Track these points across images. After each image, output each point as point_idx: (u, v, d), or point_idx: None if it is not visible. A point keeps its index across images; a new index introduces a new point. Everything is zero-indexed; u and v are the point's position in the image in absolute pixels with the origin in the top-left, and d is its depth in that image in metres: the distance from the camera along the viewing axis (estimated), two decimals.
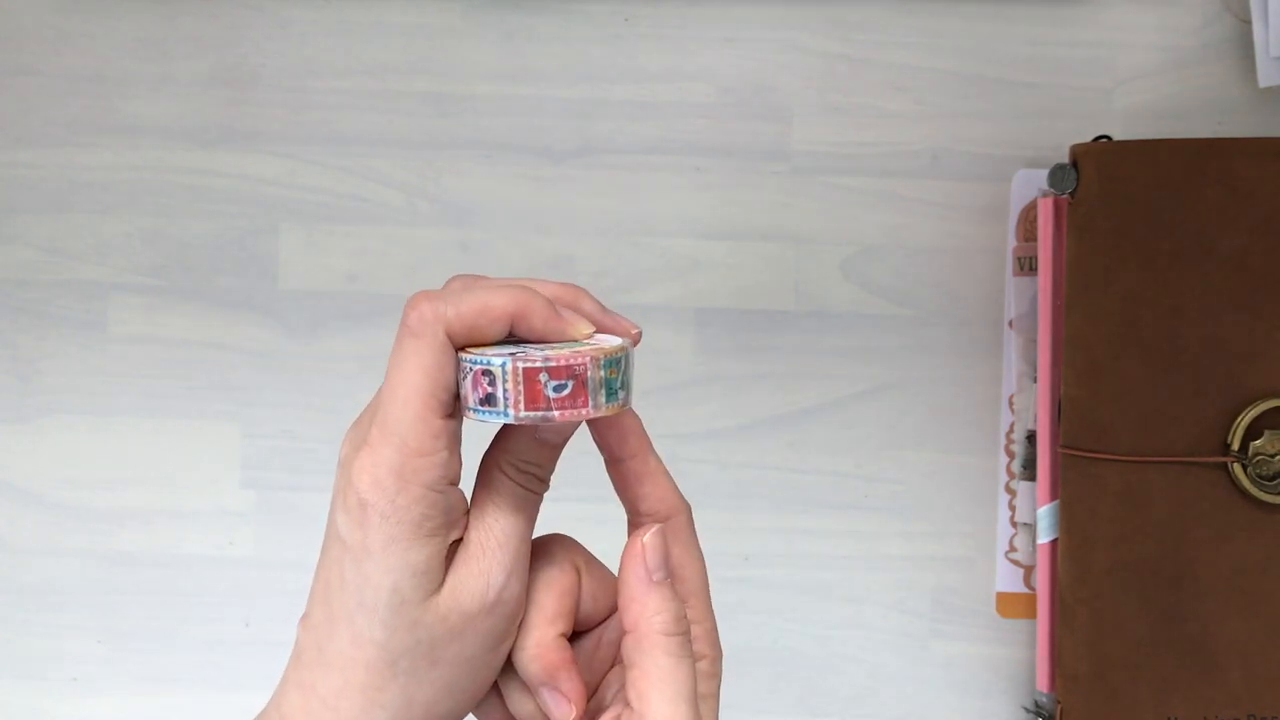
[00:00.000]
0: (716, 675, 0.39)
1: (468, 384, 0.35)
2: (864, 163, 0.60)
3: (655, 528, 0.38)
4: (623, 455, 0.38)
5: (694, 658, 0.37)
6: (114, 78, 0.61)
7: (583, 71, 0.61)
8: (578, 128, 0.61)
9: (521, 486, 0.37)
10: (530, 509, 0.38)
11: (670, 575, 0.37)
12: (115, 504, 0.62)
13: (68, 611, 0.62)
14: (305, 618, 0.37)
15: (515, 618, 0.37)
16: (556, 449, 0.38)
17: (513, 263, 0.61)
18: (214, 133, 0.61)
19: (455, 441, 0.36)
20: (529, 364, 0.35)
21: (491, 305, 0.36)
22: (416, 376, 0.35)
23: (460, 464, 0.36)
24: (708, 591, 0.39)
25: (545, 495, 0.39)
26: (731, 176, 0.61)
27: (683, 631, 0.37)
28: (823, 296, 0.61)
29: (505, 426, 0.38)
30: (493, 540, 0.36)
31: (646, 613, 0.37)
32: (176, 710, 0.61)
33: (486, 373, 0.35)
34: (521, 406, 0.35)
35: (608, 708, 0.38)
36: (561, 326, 0.36)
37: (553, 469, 0.38)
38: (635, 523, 0.39)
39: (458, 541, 0.37)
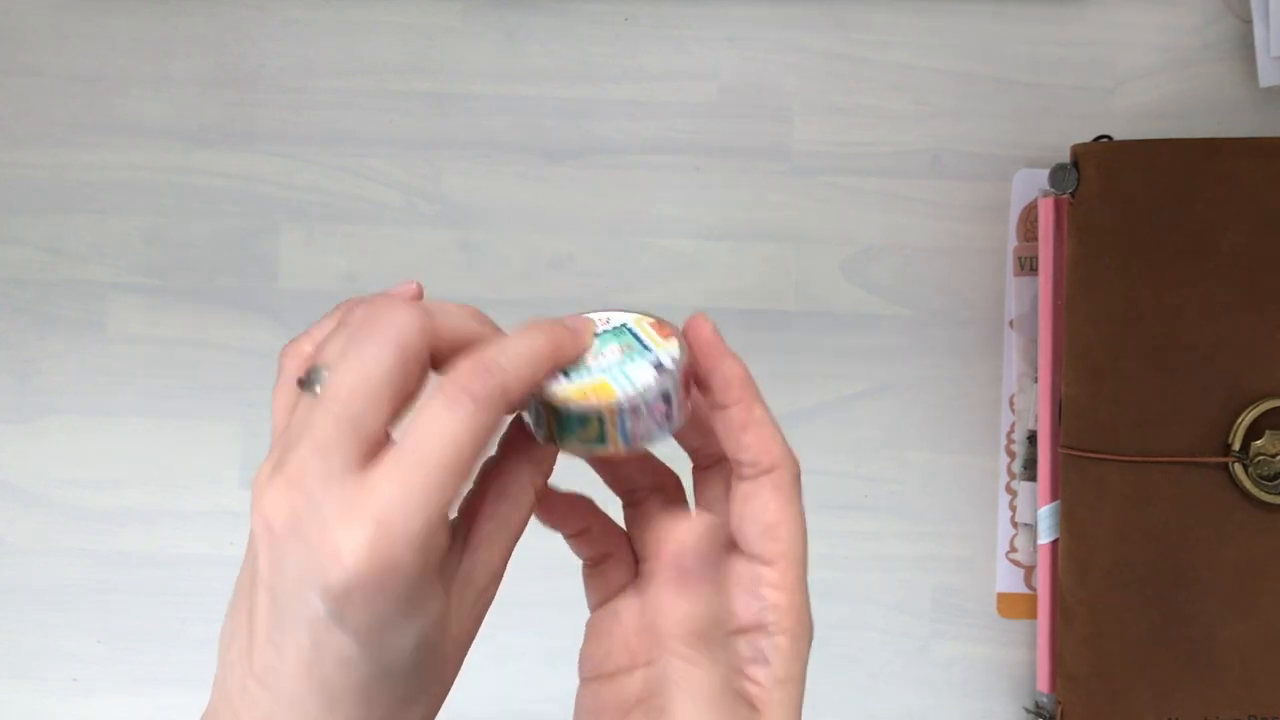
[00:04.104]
0: (799, 657, 0.36)
1: (634, 420, 0.35)
2: (864, 163, 0.60)
3: (688, 521, 0.34)
4: (727, 402, 0.36)
5: (723, 655, 0.34)
6: (114, 78, 0.61)
7: (583, 71, 0.61)
8: (578, 128, 0.61)
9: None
10: (473, 438, 0.34)
11: (719, 571, 0.34)
12: (115, 504, 0.62)
13: (68, 611, 0.62)
14: (258, 689, 0.33)
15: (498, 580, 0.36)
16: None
17: (513, 263, 0.61)
18: (214, 133, 0.61)
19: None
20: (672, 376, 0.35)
21: (538, 361, 0.34)
22: (470, 448, 0.31)
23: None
24: (803, 559, 0.36)
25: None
26: (731, 176, 0.61)
27: (711, 640, 0.34)
28: (823, 296, 0.60)
29: (534, 449, 0.36)
30: (479, 578, 0.35)
31: (667, 616, 0.34)
32: (176, 710, 0.61)
33: (665, 397, 0.35)
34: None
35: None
36: (585, 345, 0.36)
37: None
38: (738, 473, 0.36)
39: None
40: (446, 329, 0.33)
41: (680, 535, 0.33)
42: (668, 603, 0.33)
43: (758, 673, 0.36)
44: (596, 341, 0.36)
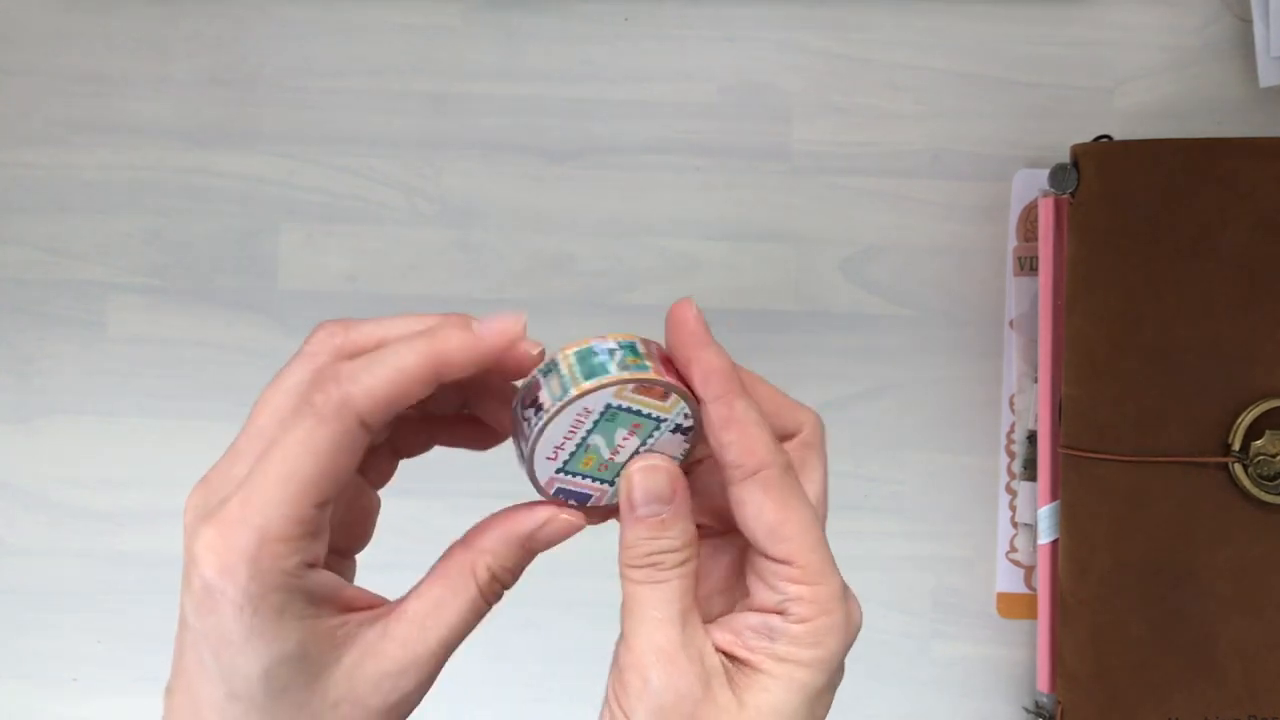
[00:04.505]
0: (817, 645, 0.35)
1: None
2: (864, 163, 0.60)
3: (642, 464, 0.35)
4: (706, 397, 0.34)
5: (679, 579, 0.35)
6: (114, 78, 0.61)
7: (583, 71, 0.61)
8: (578, 128, 0.61)
9: (484, 598, 0.35)
10: (478, 620, 0.35)
11: (677, 511, 0.35)
12: (115, 504, 0.62)
13: (68, 611, 0.62)
14: (170, 692, 0.35)
15: (409, 714, 0.35)
16: (532, 558, 0.36)
17: (513, 263, 0.61)
18: (214, 133, 0.61)
19: (324, 527, 0.33)
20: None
21: (406, 369, 0.32)
22: (305, 461, 0.31)
23: (326, 546, 0.33)
24: (820, 545, 0.35)
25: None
26: (731, 176, 0.61)
27: (655, 563, 0.34)
28: (823, 296, 0.60)
29: (487, 525, 0.36)
30: (425, 646, 0.34)
31: (621, 542, 0.35)
32: None
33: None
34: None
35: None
36: (493, 348, 0.33)
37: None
38: (728, 476, 0.35)
39: (350, 614, 0.34)
40: (370, 340, 0.34)
41: (629, 474, 0.35)
42: (622, 534, 0.35)
43: (757, 644, 0.35)
44: (599, 439, 0.35)
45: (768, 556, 0.35)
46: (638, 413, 0.34)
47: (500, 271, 0.61)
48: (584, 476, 0.35)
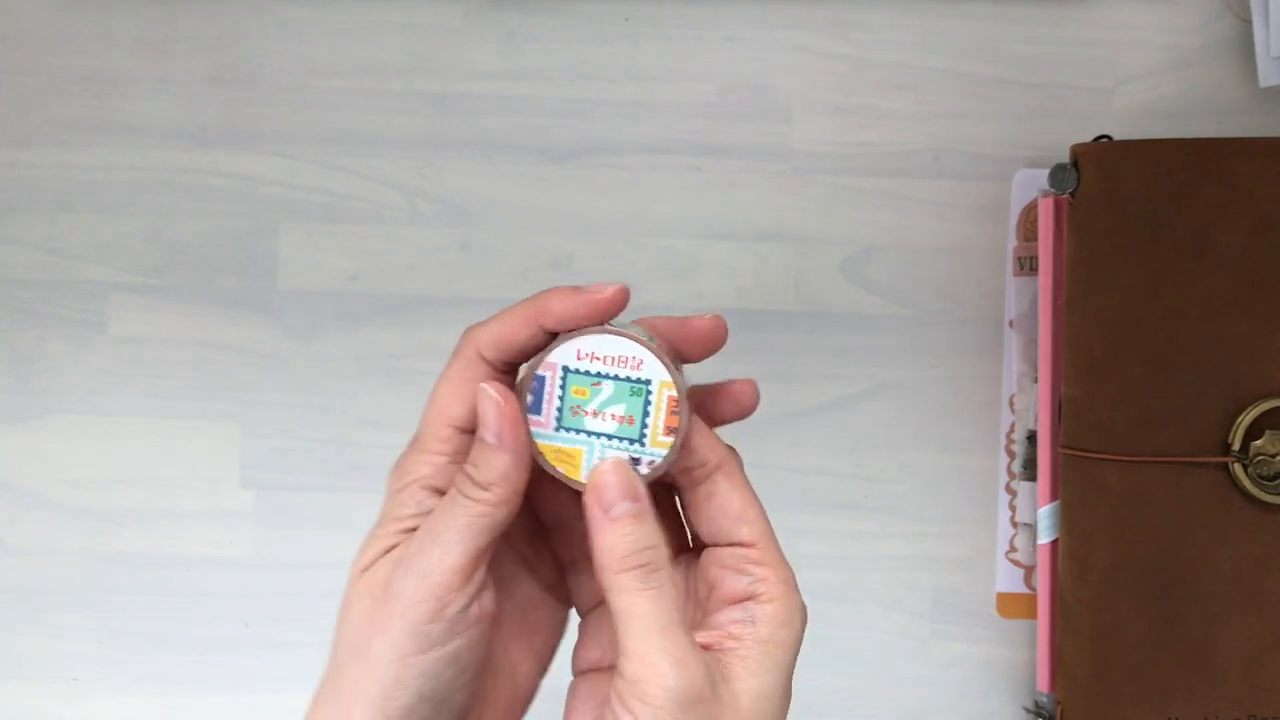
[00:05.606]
0: (788, 625, 0.38)
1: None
2: (864, 163, 0.60)
3: (610, 461, 0.37)
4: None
5: (670, 583, 0.36)
6: (114, 78, 0.61)
7: (583, 71, 0.61)
8: (578, 128, 0.61)
9: (469, 498, 0.37)
10: (487, 523, 0.37)
11: (646, 508, 0.37)
12: (115, 504, 0.62)
13: (68, 611, 0.62)
14: None
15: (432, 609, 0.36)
16: (513, 463, 0.37)
17: (513, 263, 0.61)
18: (214, 133, 0.61)
19: (461, 455, 0.38)
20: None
21: (514, 312, 0.38)
22: (441, 386, 0.38)
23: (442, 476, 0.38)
24: (773, 537, 0.39)
25: None
26: (731, 176, 0.61)
27: (641, 564, 0.36)
28: (823, 296, 0.61)
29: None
30: (437, 546, 0.36)
31: (599, 552, 0.36)
32: (176, 710, 0.61)
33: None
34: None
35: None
36: (587, 302, 0.38)
37: (505, 485, 0.37)
38: (689, 481, 0.39)
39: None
40: (494, 331, 0.39)
41: (601, 473, 0.37)
42: (600, 541, 0.36)
43: (742, 631, 0.37)
44: (611, 387, 0.37)
45: (734, 542, 0.38)
46: (645, 416, 0.37)
47: (500, 271, 0.61)
48: (560, 399, 0.37)
